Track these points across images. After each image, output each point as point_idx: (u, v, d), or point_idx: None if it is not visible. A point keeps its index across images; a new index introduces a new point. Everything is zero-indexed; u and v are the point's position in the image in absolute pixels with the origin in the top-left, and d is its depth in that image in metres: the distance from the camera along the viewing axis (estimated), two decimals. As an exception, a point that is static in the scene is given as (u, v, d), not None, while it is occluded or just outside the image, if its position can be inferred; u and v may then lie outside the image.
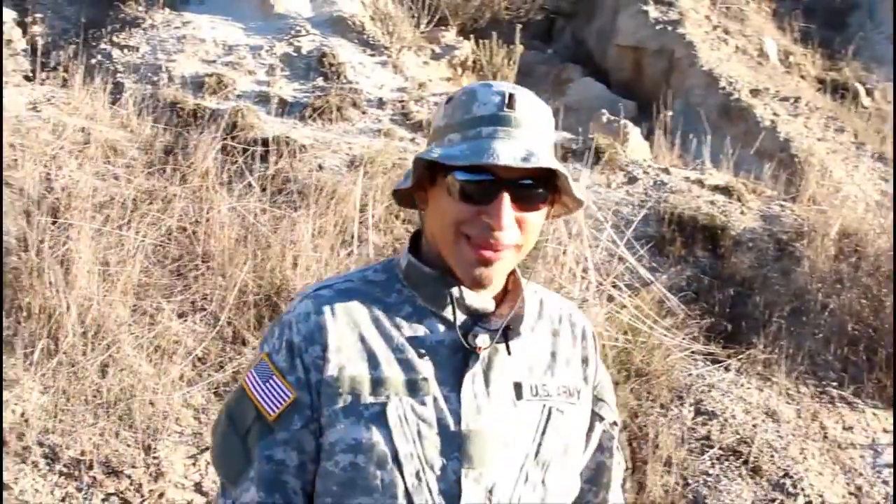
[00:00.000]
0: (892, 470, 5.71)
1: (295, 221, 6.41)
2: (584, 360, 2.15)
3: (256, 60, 9.58)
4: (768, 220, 7.75)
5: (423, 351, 1.93)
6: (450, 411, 1.89)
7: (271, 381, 1.91)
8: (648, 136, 10.08)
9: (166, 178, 6.99)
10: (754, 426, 5.79)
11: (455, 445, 1.88)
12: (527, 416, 1.97)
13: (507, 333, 1.97)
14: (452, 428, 1.88)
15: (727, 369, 6.29)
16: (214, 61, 9.45)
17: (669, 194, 8.01)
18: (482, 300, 1.98)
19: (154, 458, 4.88)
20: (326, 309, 1.94)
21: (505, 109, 1.88)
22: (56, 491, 4.63)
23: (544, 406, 2.00)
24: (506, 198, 1.86)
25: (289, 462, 1.89)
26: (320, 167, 7.49)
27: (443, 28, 11.43)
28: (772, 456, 5.59)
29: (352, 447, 1.86)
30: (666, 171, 8.50)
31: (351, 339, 1.92)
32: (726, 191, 8.19)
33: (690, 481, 5.38)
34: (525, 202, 1.88)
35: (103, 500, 4.64)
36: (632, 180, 8.30)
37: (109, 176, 6.96)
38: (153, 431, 5.00)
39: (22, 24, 9.91)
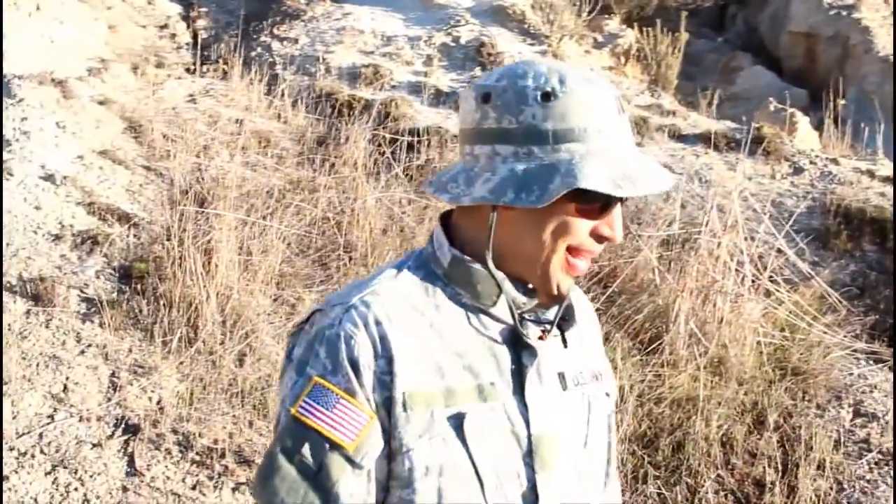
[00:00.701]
0: None
1: (440, 211, 6.30)
2: (599, 342, 2.04)
3: (414, 51, 9.54)
4: (944, 213, 7.31)
5: (481, 353, 1.74)
6: (520, 417, 1.74)
7: (340, 405, 1.65)
8: (820, 125, 9.68)
9: (315, 168, 6.98)
10: (918, 430, 5.44)
11: (528, 451, 1.74)
12: (573, 407, 1.84)
13: (562, 324, 1.83)
14: (523, 433, 1.74)
15: (892, 369, 5.93)
16: (372, 52, 9.45)
17: (837, 186, 7.64)
18: (529, 293, 1.80)
19: (287, 448, 4.83)
20: (384, 317, 1.69)
21: (621, 114, 1.70)
22: (188, 479, 4.62)
23: (583, 394, 1.87)
24: (619, 208, 1.74)
25: (369, 498, 1.68)
26: (475, 158, 7.37)
27: (606, 16, 11.21)
28: (937, 462, 5.24)
29: (433, 470, 1.67)
30: (835, 161, 8.11)
31: (414, 348, 1.69)
32: (899, 182, 7.76)
33: (846, 486, 5.07)
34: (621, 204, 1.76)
35: (233, 489, 4.61)
36: (797, 171, 7.95)
37: (260, 166, 7.00)
38: (287, 422, 4.95)
39: (186, 19, 10.10)
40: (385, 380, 1.66)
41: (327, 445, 1.64)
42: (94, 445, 4.66)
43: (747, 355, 5.71)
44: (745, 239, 6.22)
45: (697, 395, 5.32)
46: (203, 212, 6.02)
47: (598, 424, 1.91)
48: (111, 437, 4.73)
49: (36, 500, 4.35)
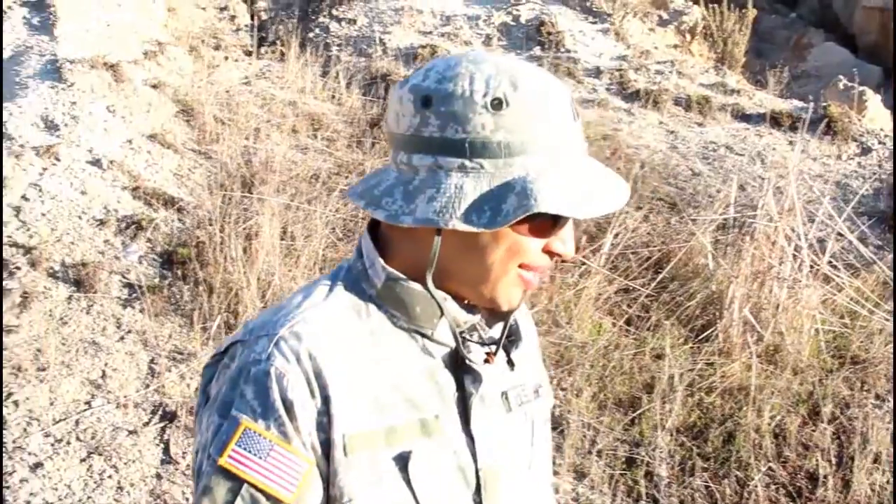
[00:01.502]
0: None
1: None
2: (537, 348, 1.88)
3: (473, 30, 9.42)
4: None
5: (422, 382, 1.59)
6: (466, 450, 1.61)
7: (274, 453, 1.48)
8: (893, 104, 9.40)
9: (364, 151, 6.91)
10: (984, 422, 5.23)
11: (475, 487, 1.61)
12: (517, 430, 1.70)
13: (507, 345, 1.69)
14: (470, 469, 1.61)
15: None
16: (430, 32, 9.35)
17: (906, 166, 7.41)
18: (470, 311, 1.64)
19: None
20: (317, 351, 1.51)
21: (576, 120, 1.54)
22: (222, 467, 4.57)
23: (526, 414, 1.72)
24: (571, 222, 1.58)
25: None
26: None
27: (673, -8, 11.00)
28: None
29: None
30: (905, 140, 7.87)
31: (351, 383, 1.52)
32: (972, 162, 7.51)
33: (904, 481, 4.90)
34: None
35: (268, 478, 4.56)
36: (865, 151, 7.73)
37: (310, 149, 6.94)
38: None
39: (246, 0, 10.08)
40: (322, 421, 1.50)
41: (263, 499, 1.48)
42: (130, 432, 4.63)
43: (804, 343, 5.54)
44: (804, 223, 6.03)
45: (750, 384, 5.18)
46: (247, 196, 5.97)
47: (541, 443, 1.79)
48: (147, 424, 4.70)
49: (70, 486, 4.34)
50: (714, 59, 9.93)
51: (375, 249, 1.61)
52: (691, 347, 5.52)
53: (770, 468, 4.91)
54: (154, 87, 7.32)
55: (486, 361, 1.63)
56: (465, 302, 1.62)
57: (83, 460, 4.46)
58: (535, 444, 1.75)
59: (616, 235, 6.08)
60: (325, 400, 1.49)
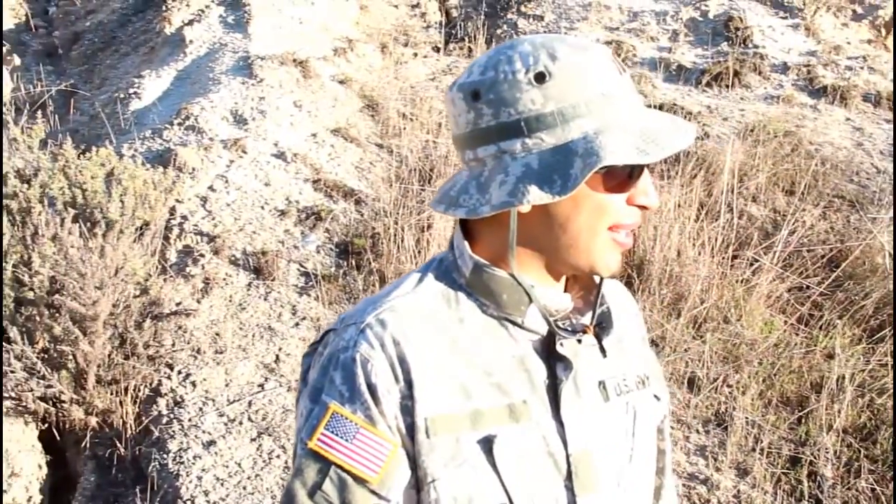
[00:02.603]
0: None
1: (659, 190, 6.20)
2: (643, 339, 1.87)
3: (660, 26, 9.37)
4: None
5: (512, 368, 1.61)
6: (556, 436, 1.61)
7: (360, 436, 1.53)
8: None
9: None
10: None
11: (567, 474, 1.62)
12: (616, 420, 1.71)
13: (599, 332, 1.70)
14: (561, 454, 1.61)
15: None
16: (617, 28, 9.34)
17: None
18: (562, 299, 1.67)
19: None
20: (401, 337, 1.55)
21: (622, 74, 1.56)
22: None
23: (628, 404, 1.72)
24: (647, 171, 1.60)
25: None
26: (706, 135, 7.20)
27: (870, -15, 10.68)
28: None
29: (462, 501, 1.56)
30: None
31: (435, 368, 1.56)
32: None
33: None
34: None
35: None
36: None
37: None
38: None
39: (437, -3, 10.27)
40: (406, 405, 1.54)
41: (350, 480, 1.54)
42: (300, 415, 4.82)
43: None
44: None
45: (924, 387, 5.05)
46: (424, 189, 6.12)
47: (645, 435, 1.77)
48: (316, 407, 4.88)
49: (240, 464, 4.55)
50: (912, 54, 9.62)
51: (465, 240, 1.64)
52: (864, 347, 5.41)
53: (941, 473, 4.79)
54: (341, 82, 7.55)
55: (579, 341, 1.65)
56: (563, 291, 1.67)
57: (254, 440, 4.67)
58: (637, 434, 1.74)
59: (791, 233, 5.99)
60: (409, 384, 1.53)
